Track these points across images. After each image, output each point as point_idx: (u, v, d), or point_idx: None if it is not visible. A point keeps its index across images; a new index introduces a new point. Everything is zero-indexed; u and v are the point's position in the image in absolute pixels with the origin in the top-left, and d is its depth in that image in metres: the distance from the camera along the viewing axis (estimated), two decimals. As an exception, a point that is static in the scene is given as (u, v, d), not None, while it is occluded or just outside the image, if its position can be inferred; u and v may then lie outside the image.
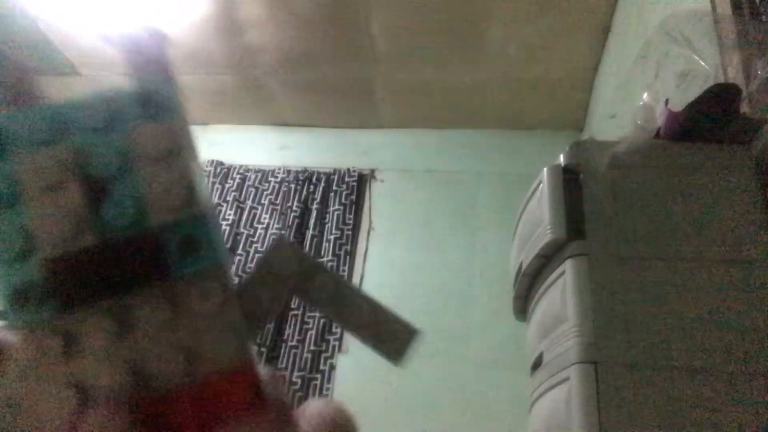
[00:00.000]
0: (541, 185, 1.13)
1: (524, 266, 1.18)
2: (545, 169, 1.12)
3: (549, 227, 1.04)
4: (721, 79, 1.11)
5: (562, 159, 1.10)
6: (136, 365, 0.21)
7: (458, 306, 2.63)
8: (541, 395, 1.06)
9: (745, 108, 1.05)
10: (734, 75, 1.11)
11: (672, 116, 1.07)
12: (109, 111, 0.24)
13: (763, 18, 1.10)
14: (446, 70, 2.74)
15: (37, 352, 0.20)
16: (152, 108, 0.24)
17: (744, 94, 1.05)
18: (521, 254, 1.22)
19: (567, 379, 0.92)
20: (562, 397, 0.92)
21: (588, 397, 0.87)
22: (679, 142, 1.06)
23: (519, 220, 1.29)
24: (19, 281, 0.20)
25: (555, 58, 2.58)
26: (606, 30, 2.40)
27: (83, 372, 0.20)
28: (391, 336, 0.28)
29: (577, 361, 0.90)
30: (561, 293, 1.01)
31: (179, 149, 0.23)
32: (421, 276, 2.72)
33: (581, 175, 1.06)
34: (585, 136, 2.87)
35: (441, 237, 2.81)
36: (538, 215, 1.11)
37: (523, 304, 1.32)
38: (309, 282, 0.27)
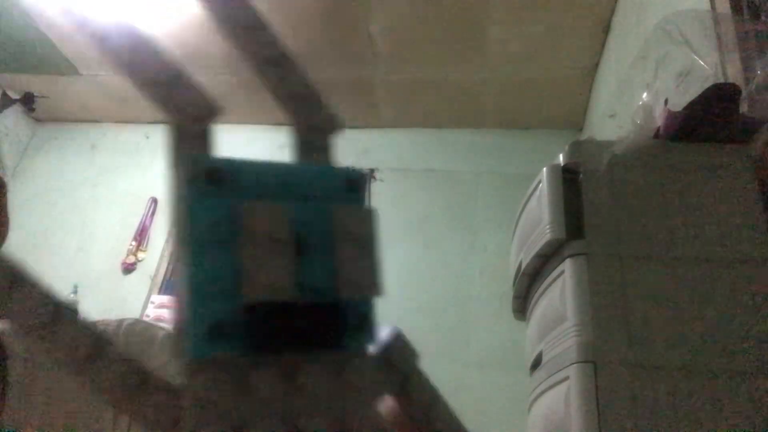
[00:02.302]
0: (540, 185, 1.13)
1: (524, 265, 1.18)
2: (545, 168, 1.12)
3: (548, 227, 1.04)
4: (721, 79, 1.11)
5: (561, 158, 1.10)
6: (292, 423, 0.23)
7: (457, 305, 2.63)
8: (540, 394, 1.06)
9: (744, 108, 1.05)
10: (733, 74, 1.11)
11: (671, 116, 1.07)
12: (330, 185, 0.26)
13: (762, 18, 1.10)
14: (445, 70, 2.74)
15: (207, 383, 0.21)
16: (359, 192, 0.26)
17: (743, 93, 1.05)
18: (521, 253, 1.22)
19: (566, 378, 0.92)
20: (562, 397, 0.92)
21: (587, 396, 0.87)
22: (679, 142, 1.06)
23: (518, 219, 1.29)
24: (216, 319, 0.21)
25: (554, 58, 2.58)
26: (605, 29, 2.40)
27: (243, 415, 0.22)
28: None
29: (576, 360, 0.90)
30: (560, 292, 1.01)
31: (376, 237, 0.25)
32: (421, 275, 2.72)
33: (580, 175, 1.06)
34: (584, 135, 2.87)
35: (440, 236, 2.81)
36: (538, 215, 1.11)
37: (522, 304, 1.32)
38: (410, 389, 0.28)
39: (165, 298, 2.78)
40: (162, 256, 3.01)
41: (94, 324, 0.23)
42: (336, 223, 0.24)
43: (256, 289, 0.22)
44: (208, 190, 0.23)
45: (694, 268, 0.94)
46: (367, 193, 0.27)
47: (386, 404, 0.28)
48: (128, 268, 2.96)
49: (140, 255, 2.99)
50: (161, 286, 2.92)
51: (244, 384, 0.22)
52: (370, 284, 0.24)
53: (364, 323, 0.25)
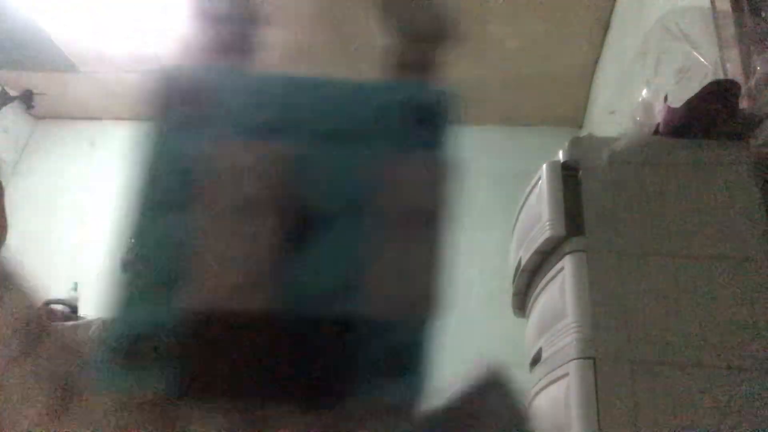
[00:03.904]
0: (540, 181, 1.13)
1: (523, 262, 1.18)
2: (544, 165, 1.12)
3: (548, 223, 1.04)
4: (720, 75, 1.11)
5: (561, 155, 1.10)
6: None
7: (457, 303, 2.63)
8: (540, 391, 1.06)
9: (744, 104, 1.05)
10: (733, 71, 1.10)
11: (671, 112, 1.07)
12: (387, 114, 0.13)
13: (762, 14, 1.10)
14: (444, 67, 2.73)
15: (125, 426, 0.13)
16: (437, 131, 0.14)
17: (743, 90, 1.05)
18: (520, 250, 1.22)
19: (566, 374, 0.92)
20: (561, 393, 0.93)
21: (587, 392, 0.87)
22: (678, 138, 1.05)
23: (518, 216, 1.29)
24: (136, 332, 0.12)
25: (554, 54, 2.57)
26: (605, 26, 2.39)
27: None
28: None
29: (575, 356, 0.91)
30: (560, 289, 1.01)
31: (444, 215, 0.13)
32: (421, 272, 2.72)
33: (580, 172, 1.06)
34: (584, 132, 2.86)
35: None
36: (537, 211, 1.11)
37: (522, 300, 1.32)
38: None
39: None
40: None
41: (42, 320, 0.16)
42: (384, 185, 0.13)
43: (205, 288, 0.11)
44: (175, 122, 0.12)
45: (694, 264, 0.94)
46: (452, 133, 0.14)
47: None
48: (128, 266, 2.95)
49: (140, 252, 2.98)
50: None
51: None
52: (425, 298, 0.13)
53: (402, 361, 0.13)
